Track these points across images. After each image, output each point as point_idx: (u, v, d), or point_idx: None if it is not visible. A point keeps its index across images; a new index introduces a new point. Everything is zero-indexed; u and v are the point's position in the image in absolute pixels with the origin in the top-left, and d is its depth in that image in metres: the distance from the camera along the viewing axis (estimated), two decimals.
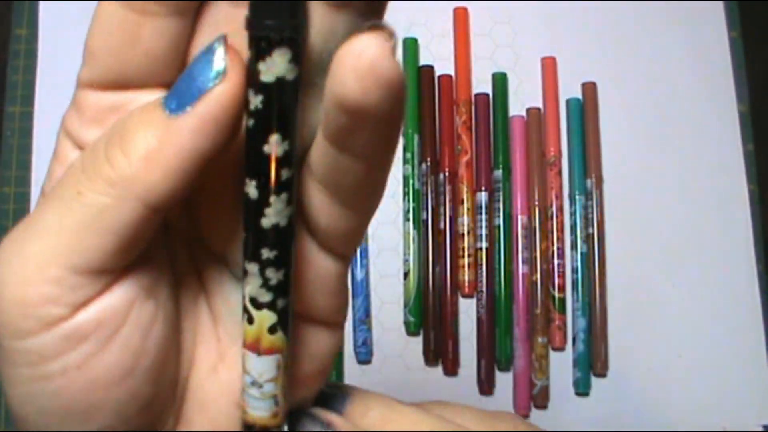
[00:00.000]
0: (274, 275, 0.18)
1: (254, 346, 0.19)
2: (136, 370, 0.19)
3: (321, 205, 0.19)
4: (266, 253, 0.18)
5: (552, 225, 0.52)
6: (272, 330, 0.19)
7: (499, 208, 0.52)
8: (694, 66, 0.56)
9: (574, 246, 0.52)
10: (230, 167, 0.19)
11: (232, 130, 0.17)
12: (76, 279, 0.18)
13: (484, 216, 0.52)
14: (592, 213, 0.52)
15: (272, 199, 0.18)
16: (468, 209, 0.51)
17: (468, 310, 0.51)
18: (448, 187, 0.52)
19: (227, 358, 0.21)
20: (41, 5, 0.54)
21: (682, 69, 0.56)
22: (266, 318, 0.19)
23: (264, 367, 0.19)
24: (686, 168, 0.54)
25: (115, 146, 0.18)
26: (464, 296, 0.51)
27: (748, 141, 0.55)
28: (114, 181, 0.17)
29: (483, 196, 0.52)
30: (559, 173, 0.53)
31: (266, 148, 0.17)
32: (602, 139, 0.54)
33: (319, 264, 0.20)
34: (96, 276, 0.18)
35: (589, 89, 0.54)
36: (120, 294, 0.19)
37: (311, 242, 0.20)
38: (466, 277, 0.51)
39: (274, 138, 0.17)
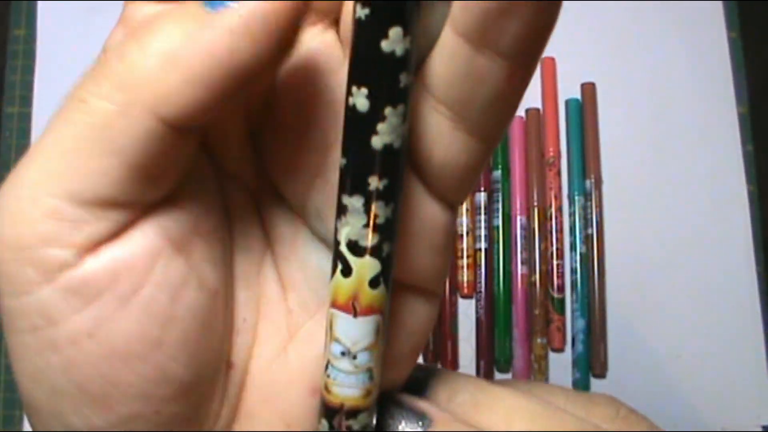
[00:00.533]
0: (382, 212, 0.15)
1: (349, 306, 0.15)
2: (164, 342, 0.15)
3: (439, 132, 0.15)
4: (374, 183, 0.15)
5: (551, 225, 0.52)
6: (374, 283, 0.15)
7: (498, 209, 0.52)
8: (693, 67, 0.56)
9: (573, 247, 0.52)
10: (309, 92, 0.16)
11: (286, 40, 0.14)
12: (78, 211, 0.14)
13: (483, 216, 0.52)
14: (591, 213, 0.52)
15: (387, 111, 0.14)
16: (467, 210, 0.51)
17: (467, 311, 0.51)
18: None
19: (299, 337, 0.17)
20: (39, 5, 0.54)
21: (682, 70, 0.56)
22: (368, 267, 0.15)
23: (360, 331, 0.15)
24: (685, 169, 0.54)
25: (133, 41, 0.14)
26: (463, 297, 0.51)
27: (747, 142, 0.55)
28: (123, 83, 0.14)
29: (482, 197, 0.52)
30: (558, 174, 0.53)
31: (384, 45, 0.14)
32: (601, 140, 0.54)
33: (426, 212, 0.16)
34: (103, 210, 0.14)
35: (589, 90, 0.54)
36: (139, 241, 0.15)
37: (418, 185, 0.16)
38: (465, 278, 0.51)
39: (395, 32, 0.14)
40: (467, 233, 0.51)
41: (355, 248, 0.15)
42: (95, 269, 0.15)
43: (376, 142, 0.14)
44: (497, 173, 0.52)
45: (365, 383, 0.16)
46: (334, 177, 0.16)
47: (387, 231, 0.15)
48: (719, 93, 0.55)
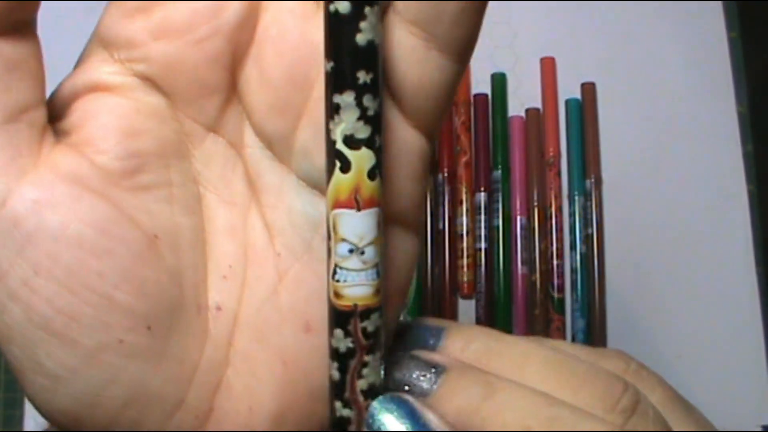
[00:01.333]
0: (371, 104, 0.16)
1: (351, 201, 0.16)
2: (103, 273, 0.17)
3: (413, 53, 0.17)
4: (363, 77, 0.16)
5: (551, 225, 0.52)
6: (372, 175, 0.16)
7: (498, 209, 0.52)
8: (693, 66, 0.56)
9: (573, 246, 0.52)
10: (289, 39, 0.17)
11: None
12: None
13: (483, 216, 0.52)
14: (591, 213, 0.52)
15: (367, 10, 0.16)
16: (467, 210, 0.51)
17: (467, 311, 0.51)
18: (447, 188, 0.52)
19: (289, 278, 0.18)
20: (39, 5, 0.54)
21: (681, 69, 0.56)
22: (366, 159, 0.16)
23: (365, 225, 0.16)
24: (685, 168, 0.54)
25: None
26: (463, 297, 0.51)
27: (747, 141, 0.55)
28: None
29: (482, 197, 0.52)
30: (558, 174, 0.53)
31: None
32: (601, 140, 0.54)
33: (403, 138, 0.18)
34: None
35: (589, 89, 0.54)
36: (61, 188, 0.17)
37: (395, 111, 0.17)
38: (465, 278, 0.51)
39: None
40: (467, 233, 0.51)
41: (352, 142, 0.16)
42: (21, 210, 0.16)
43: (361, 39, 0.16)
44: (497, 173, 0.52)
45: (374, 279, 0.17)
46: (318, 112, 0.17)
47: (377, 123, 0.16)
48: (719, 92, 0.55)
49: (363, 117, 0.16)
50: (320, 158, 0.17)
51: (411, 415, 0.17)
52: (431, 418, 0.17)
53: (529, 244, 0.52)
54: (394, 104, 0.17)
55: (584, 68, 0.55)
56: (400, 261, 0.18)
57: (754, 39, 0.57)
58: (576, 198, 0.52)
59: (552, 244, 0.52)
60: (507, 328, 0.50)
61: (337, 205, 0.16)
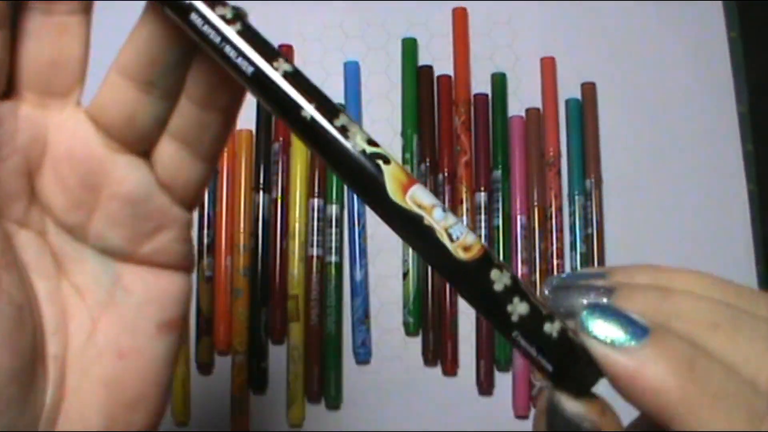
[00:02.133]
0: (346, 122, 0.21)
1: (411, 178, 0.19)
2: None
3: (181, 162, 0.22)
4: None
5: (551, 225, 0.52)
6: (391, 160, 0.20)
7: (498, 209, 0.52)
8: (693, 66, 0.56)
9: (573, 246, 0.52)
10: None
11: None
12: None
13: (483, 216, 0.52)
14: (591, 213, 0.52)
15: None
16: (467, 209, 0.51)
17: (467, 311, 0.51)
18: (447, 188, 0.52)
19: (100, 322, 0.23)
20: None
21: (682, 69, 0.56)
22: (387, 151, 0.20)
23: (428, 191, 0.19)
24: (685, 168, 0.54)
25: None
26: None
27: (747, 141, 0.55)
28: None
29: (482, 197, 0.52)
30: (558, 173, 0.53)
31: None
32: (601, 140, 0.54)
33: (175, 215, 0.23)
34: None
35: (589, 89, 0.54)
36: None
37: (168, 197, 0.23)
38: None
39: None
40: None
41: (371, 143, 0.20)
42: None
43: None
44: (497, 173, 0.52)
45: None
46: (111, 206, 0.22)
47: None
48: (719, 92, 0.55)
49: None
50: (113, 237, 0.22)
51: (617, 314, 0.19)
52: (632, 314, 0.19)
53: (529, 244, 0.52)
54: (167, 192, 0.23)
55: (584, 68, 0.55)
56: (174, 295, 0.24)
57: (754, 39, 0.57)
58: (576, 198, 0.52)
59: (552, 244, 0.52)
60: None
61: (407, 186, 0.19)
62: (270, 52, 0.20)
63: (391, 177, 0.19)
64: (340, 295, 0.50)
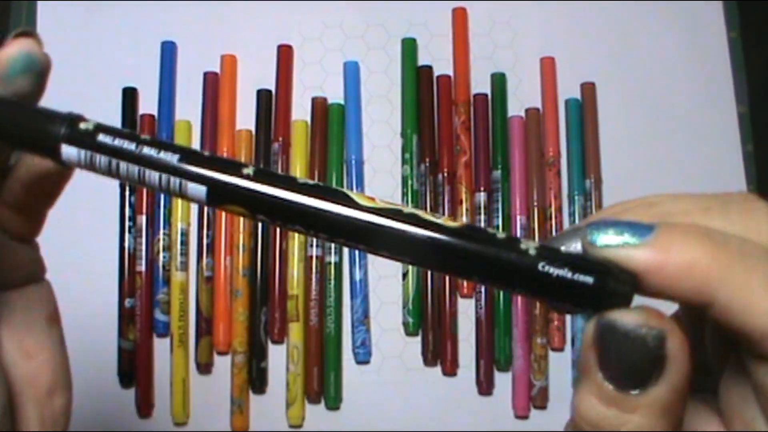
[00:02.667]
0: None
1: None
2: None
3: (17, 222, 0.24)
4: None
5: (551, 225, 0.52)
6: None
7: (498, 209, 0.52)
8: (693, 66, 0.56)
9: None
10: None
11: None
12: None
13: (483, 216, 0.52)
14: (591, 213, 0.52)
15: None
16: (467, 209, 0.51)
17: (467, 311, 0.51)
18: (446, 188, 0.52)
19: (3, 337, 0.24)
20: (40, 5, 0.54)
21: (681, 69, 0.56)
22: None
23: None
24: (685, 168, 0.54)
25: None
26: (463, 297, 0.51)
27: (747, 141, 0.55)
28: None
29: (482, 197, 0.52)
30: (558, 173, 0.53)
31: None
32: (601, 140, 0.54)
33: (16, 248, 0.24)
34: None
35: (588, 90, 0.54)
36: None
37: (7, 238, 0.24)
38: None
39: None
40: None
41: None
42: None
43: None
44: (497, 173, 0.52)
45: None
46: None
47: None
48: (719, 93, 0.55)
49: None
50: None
51: (617, 222, 0.19)
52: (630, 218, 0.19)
53: None
54: (6, 235, 0.24)
55: (584, 68, 0.55)
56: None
57: (754, 39, 0.57)
58: (576, 198, 0.52)
59: None
60: (506, 328, 0.51)
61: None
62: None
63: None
64: (339, 295, 0.50)
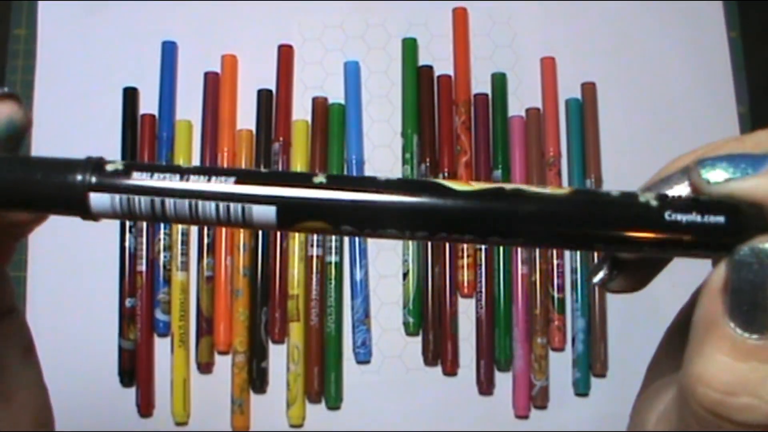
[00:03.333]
0: None
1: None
2: None
3: None
4: None
5: None
6: None
7: None
8: (693, 66, 0.56)
9: None
10: None
11: None
12: None
13: None
14: None
15: None
16: None
17: (467, 311, 0.51)
18: None
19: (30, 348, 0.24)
20: (40, 5, 0.54)
21: (682, 69, 0.56)
22: None
23: None
24: None
25: None
26: (463, 296, 0.51)
27: None
28: None
29: None
30: (559, 173, 0.53)
31: None
32: (601, 140, 0.54)
33: None
34: None
35: (589, 89, 0.54)
36: None
37: None
38: (466, 278, 0.51)
39: None
40: None
41: None
42: None
43: None
44: (497, 173, 0.52)
45: None
46: None
47: None
48: (719, 93, 0.55)
49: None
50: None
51: (725, 156, 0.18)
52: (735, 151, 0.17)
53: None
54: None
55: (584, 68, 0.55)
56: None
57: (754, 39, 0.57)
58: None
59: None
60: (507, 327, 0.51)
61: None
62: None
63: None
64: (340, 295, 0.50)
